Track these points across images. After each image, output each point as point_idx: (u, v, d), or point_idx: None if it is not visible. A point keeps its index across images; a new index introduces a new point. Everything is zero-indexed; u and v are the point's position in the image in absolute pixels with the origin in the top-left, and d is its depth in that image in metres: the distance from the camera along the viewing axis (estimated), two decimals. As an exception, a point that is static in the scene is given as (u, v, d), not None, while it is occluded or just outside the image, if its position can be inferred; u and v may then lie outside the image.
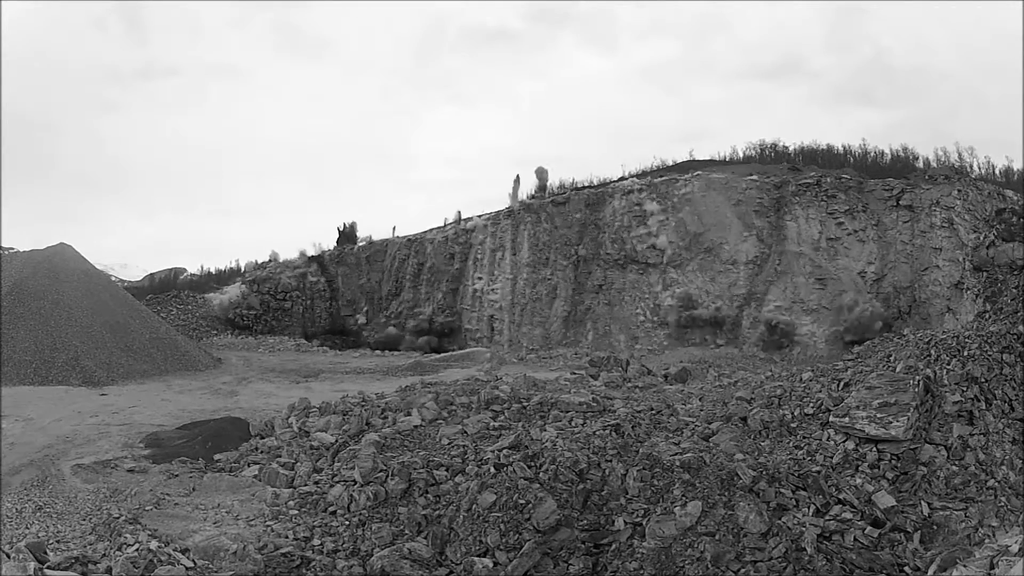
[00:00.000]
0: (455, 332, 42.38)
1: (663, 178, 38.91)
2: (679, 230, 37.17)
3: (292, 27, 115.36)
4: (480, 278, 42.48)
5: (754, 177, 37.06)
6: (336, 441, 15.70)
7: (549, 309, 39.65)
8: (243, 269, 49.17)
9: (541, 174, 44.18)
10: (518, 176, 45.02)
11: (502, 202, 43.33)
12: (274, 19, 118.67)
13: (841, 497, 11.31)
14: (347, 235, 49.46)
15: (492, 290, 41.87)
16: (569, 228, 40.00)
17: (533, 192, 43.74)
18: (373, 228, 50.12)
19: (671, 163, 42.17)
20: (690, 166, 40.29)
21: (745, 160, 40.91)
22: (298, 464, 15.07)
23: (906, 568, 10.28)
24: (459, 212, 45.81)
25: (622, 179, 41.17)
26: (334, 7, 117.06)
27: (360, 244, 47.87)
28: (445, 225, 45.49)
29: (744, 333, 34.62)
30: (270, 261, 48.04)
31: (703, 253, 36.68)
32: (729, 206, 36.76)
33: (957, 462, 11.67)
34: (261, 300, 44.36)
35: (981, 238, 17.03)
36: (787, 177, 36.69)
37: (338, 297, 46.37)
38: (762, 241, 35.86)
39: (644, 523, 11.36)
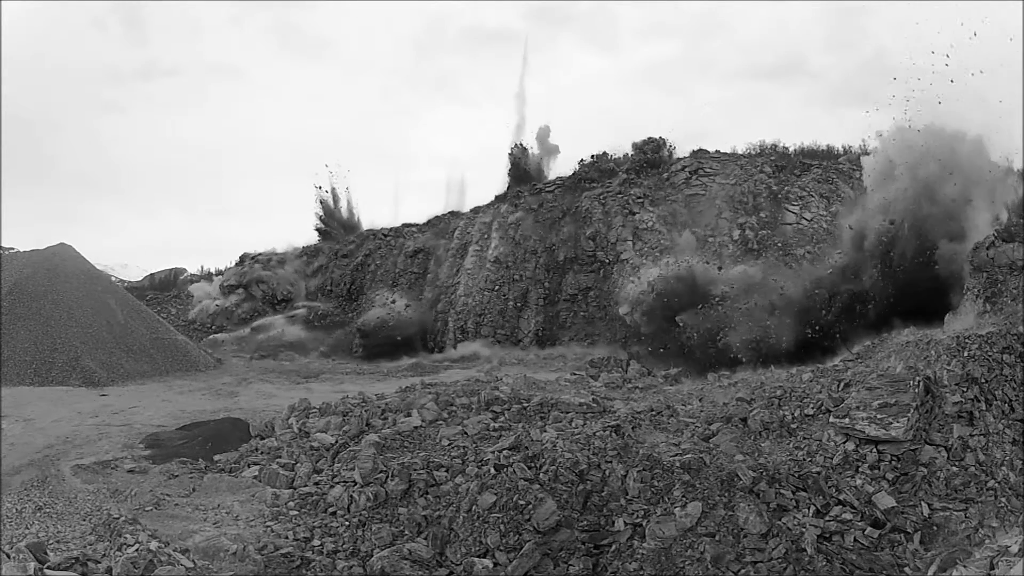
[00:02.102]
0: (400, 343, 34.51)
1: (653, 174, 35.37)
2: (667, 219, 33.14)
3: (292, 27, 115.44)
4: (450, 277, 36.83)
5: (752, 166, 34.57)
6: (336, 442, 15.70)
7: (517, 320, 34.23)
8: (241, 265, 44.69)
9: (543, 135, 39.65)
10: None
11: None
12: (274, 19, 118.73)
13: (841, 498, 11.32)
14: (336, 217, 43.58)
15: (455, 292, 36.14)
16: (544, 224, 35.28)
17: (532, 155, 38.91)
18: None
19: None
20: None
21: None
22: (298, 465, 15.07)
23: (906, 569, 10.29)
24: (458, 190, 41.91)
25: (602, 163, 37.17)
26: (334, 7, 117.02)
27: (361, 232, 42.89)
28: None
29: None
30: (255, 258, 43.71)
31: (695, 244, 32.35)
32: (724, 193, 33.59)
33: (957, 463, 11.67)
34: (245, 304, 40.83)
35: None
36: (786, 162, 34.62)
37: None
38: (761, 230, 32.46)
39: (644, 524, 11.38)
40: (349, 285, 40.28)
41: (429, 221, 40.61)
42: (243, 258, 45.21)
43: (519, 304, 34.34)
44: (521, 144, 39.64)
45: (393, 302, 36.35)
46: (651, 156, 36.41)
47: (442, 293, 36.68)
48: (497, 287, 34.73)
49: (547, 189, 37.17)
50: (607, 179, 35.73)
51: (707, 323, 25.35)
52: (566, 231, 34.81)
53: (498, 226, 36.07)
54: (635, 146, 37.13)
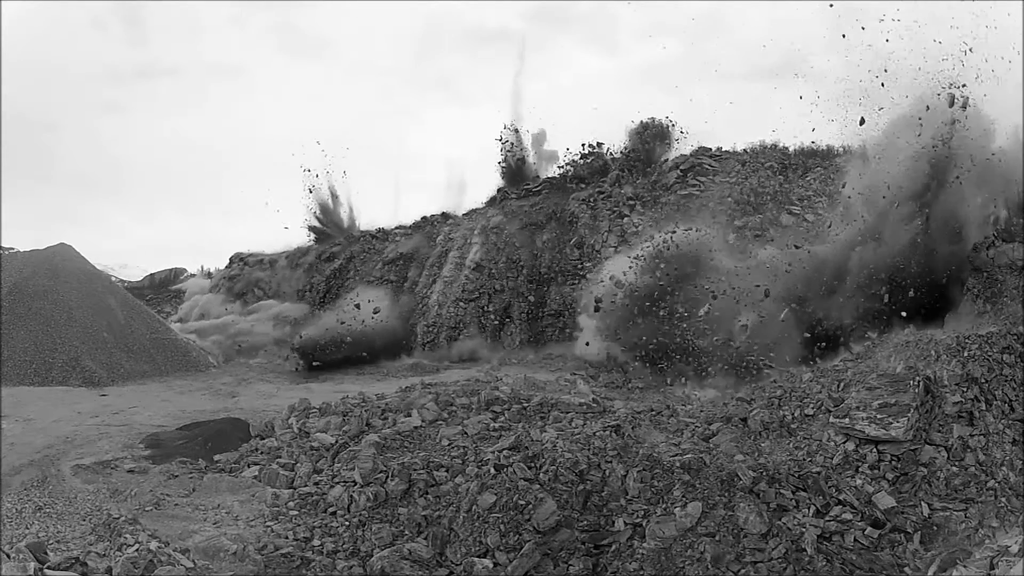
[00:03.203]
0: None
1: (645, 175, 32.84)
2: (659, 221, 29.90)
3: (292, 27, 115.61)
4: (426, 287, 33.67)
5: (757, 162, 32.43)
6: (336, 442, 15.71)
7: (499, 335, 31.02)
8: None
9: (539, 140, 36.58)
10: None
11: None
12: (274, 19, 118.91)
13: (841, 498, 11.32)
14: (332, 215, 39.96)
15: (427, 301, 32.89)
16: (528, 229, 32.64)
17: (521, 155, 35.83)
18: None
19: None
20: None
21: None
22: (298, 465, 15.08)
23: (906, 569, 10.29)
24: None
25: (595, 160, 34.60)
26: (334, 7, 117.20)
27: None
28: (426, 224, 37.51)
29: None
30: (244, 259, 41.90)
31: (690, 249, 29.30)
32: (722, 193, 31.07)
33: (957, 463, 11.67)
34: (235, 304, 39.02)
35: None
36: (789, 161, 32.22)
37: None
38: (763, 231, 29.07)
39: (644, 524, 11.38)
40: (325, 290, 37.17)
41: (416, 224, 38.17)
42: (232, 259, 44.42)
43: (501, 318, 31.13)
44: (513, 127, 36.84)
45: (358, 307, 31.25)
46: (649, 146, 34.15)
47: (418, 303, 33.47)
48: (475, 297, 31.75)
49: (534, 190, 34.95)
50: (599, 177, 33.64)
51: (712, 317, 20.55)
52: (551, 237, 32.36)
53: (480, 230, 33.56)
54: (634, 133, 34.33)
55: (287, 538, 12.28)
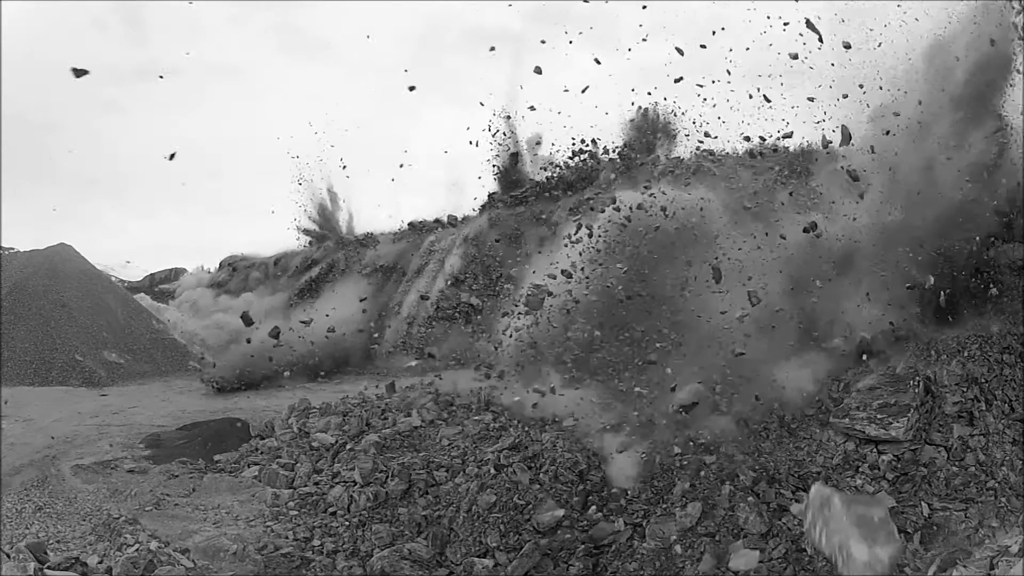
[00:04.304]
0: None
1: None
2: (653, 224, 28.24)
3: (292, 27, 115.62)
4: (399, 301, 30.46)
5: (762, 165, 31.87)
6: (336, 442, 15.70)
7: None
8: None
9: (533, 144, 33.06)
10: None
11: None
12: (274, 19, 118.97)
13: (841, 498, 11.31)
14: (328, 216, 37.00)
15: (396, 315, 29.88)
16: (513, 240, 29.15)
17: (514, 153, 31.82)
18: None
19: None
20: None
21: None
22: (298, 465, 15.08)
23: (906, 569, 10.28)
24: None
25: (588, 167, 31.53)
26: (334, 7, 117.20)
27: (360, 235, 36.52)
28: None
29: None
30: (232, 264, 40.97)
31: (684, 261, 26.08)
32: (723, 198, 30.85)
33: (957, 463, 11.66)
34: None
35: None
36: (795, 164, 32.01)
37: None
38: (761, 239, 28.69)
39: (644, 524, 11.38)
40: (297, 300, 33.55)
41: (403, 231, 35.41)
42: (222, 264, 43.66)
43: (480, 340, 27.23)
44: (504, 113, 32.12)
45: (305, 323, 23.42)
46: (650, 138, 31.48)
47: (388, 318, 29.96)
48: (451, 315, 28.55)
49: (522, 196, 31.94)
50: (589, 182, 30.68)
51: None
52: (534, 240, 27.95)
53: (462, 240, 30.67)
54: (631, 126, 31.58)
55: (287, 538, 12.28)
